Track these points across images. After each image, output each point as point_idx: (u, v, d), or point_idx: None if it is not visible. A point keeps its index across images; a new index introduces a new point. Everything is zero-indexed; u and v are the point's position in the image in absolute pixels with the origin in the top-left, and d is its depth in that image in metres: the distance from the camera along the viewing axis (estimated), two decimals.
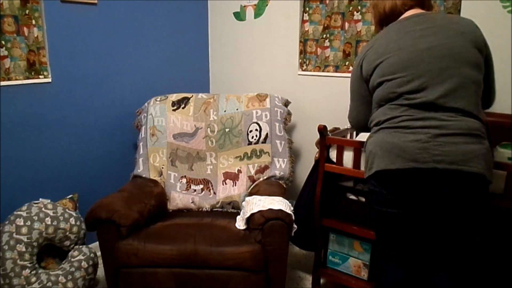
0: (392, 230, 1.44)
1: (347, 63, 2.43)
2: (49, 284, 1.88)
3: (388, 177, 1.36)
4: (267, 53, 2.75)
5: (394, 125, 1.36)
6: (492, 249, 1.62)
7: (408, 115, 1.33)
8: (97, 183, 2.46)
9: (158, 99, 2.41)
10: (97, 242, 1.84)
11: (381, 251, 1.52)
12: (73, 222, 2.02)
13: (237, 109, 2.35)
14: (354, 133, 2.16)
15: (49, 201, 2.02)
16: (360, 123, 1.64)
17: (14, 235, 1.84)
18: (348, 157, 1.88)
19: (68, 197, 2.18)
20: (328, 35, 2.48)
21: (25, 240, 1.85)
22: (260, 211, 1.79)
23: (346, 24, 2.40)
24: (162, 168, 2.27)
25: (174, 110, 2.36)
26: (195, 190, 2.25)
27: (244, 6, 2.78)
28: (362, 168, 1.84)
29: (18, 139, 2.08)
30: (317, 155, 2.02)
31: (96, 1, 2.29)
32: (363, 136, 2.03)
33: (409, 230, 1.42)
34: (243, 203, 2.01)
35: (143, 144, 2.31)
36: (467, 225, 1.34)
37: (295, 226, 1.82)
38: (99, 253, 1.93)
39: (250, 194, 2.12)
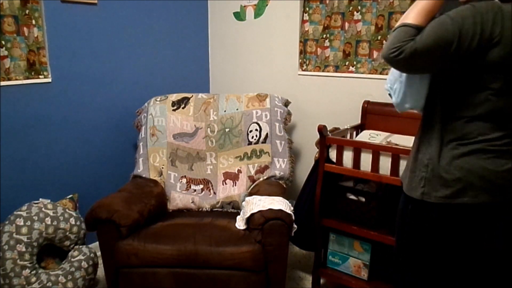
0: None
1: (347, 63, 2.43)
2: (49, 284, 1.88)
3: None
4: (267, 53, 2.75)
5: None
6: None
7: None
8: (97, 183, 2.46)
9: (158, 99, 2.41)
10: (97, 242, 1.84)
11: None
12: (73, 222, 2.02)
13: (237, 109, 2.35)
14: (354, 133, 2.16)
15: (49, 201, 2.02)
16: None
17: (14, 235, 1.84)
18: (348, 157, 1.88)
19: (68, 197, 2.18)
20: (328, 35, 2.48)
21: (25, 240, 1.85)
22: (260, 211, 1.79)
23: (346, 24, 2.40)
24: (162, 168, 2.27)
25: (174, 110, 2.36)
26: (195, 190, 2.25)
27: (244, 6, 2.78)
28: (362, 168, 1.84)
29: (18, 139, 2.08)
30: (317, 155, 2.02)
31: (96, 1, 2.29)
32: (363, 136, 2.03)
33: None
34: (243, 203, 2.01)
35: (143, 144, 2.31)
36: (491, 233, 1.21)
37: (295, 226, 1.82)
38: (99, 253, 1.92)
39: (250, 194, 2.12)
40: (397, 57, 1.09)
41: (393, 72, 1.26)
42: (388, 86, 1.30)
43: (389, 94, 1.31)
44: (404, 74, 1.22)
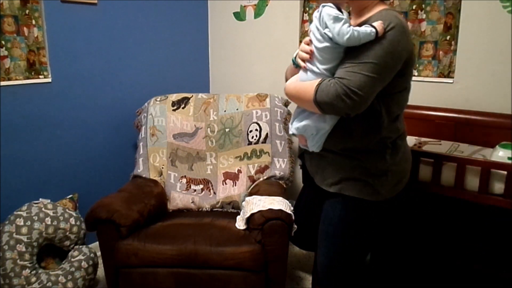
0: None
1: None
2: (49, 284, 1.88)
3: None
4: (267, 53, 2.75)
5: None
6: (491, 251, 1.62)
7: None
8: (97, 183, 2.46)
9: (158, 99, 2.41)
10: (97, 242, 1.84)
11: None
12: (73, 222, 2.02)
13: (237, 109, 2.35)
14: None
15: (49, 201, 2.02)
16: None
17: (14, 235, 1.84)
18: None
19: (68, 197, 2.19)
20: None
21: (25, 240, 1.85)
22: (260, 211, 1.79)
23: None
24: (162, 168, 2.26)
25: (174, 110, 2.36)
26: (195, 190, 2.25)
27: (244, 6, 2.78)
28: None
29: (18, 139, 2.08)
30: None
31: (96, 1, 2.29)
32: None
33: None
34: (243, 203, 2.01)
35: (143, 144, 2.31)
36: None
37: (295, 226, 1.82)
38: (99, 253, 1.92)
39: (250, 194, 2.12)
40: None
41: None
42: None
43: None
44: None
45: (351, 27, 1.18)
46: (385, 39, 1.17)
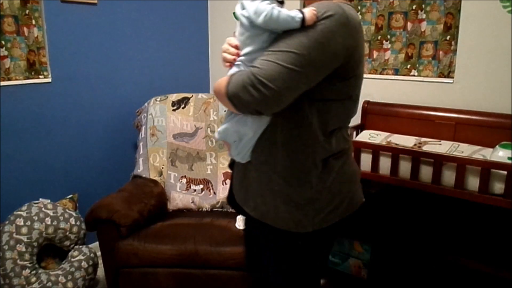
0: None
1: None
2: (49, 284, 1.88)
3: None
4: None
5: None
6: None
7: None
8: (97, 183, 2.46)
9: (158, 99, 2.40)
10: (97, 242, 1.84)
11: None
12: (73, 222, 2.02)
13: None
14: (354, 133, 2.16)
15: (49, 201, 2.02)
16: None
17: (14, 235, 1.84)
18: None
19: (68, 197, 2.19)
20: None
21: (25, 240, 1.85)
22: None
23: None
24: (162, 168, 2.26)
25: (174, 110, 2.36)
26: (195, 190, 2.25)
27: None
28: (362, 168, 1.83)
29: (18, 139, 2.08)
30: None
31: (96, 1, 2.29)
32: (363, 136, 2.03)
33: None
34: None
35: (143, 144, 2.31)
36: None
37: None
38: (99, 253, 1.92)
39: None
40: None
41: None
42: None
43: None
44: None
45: (273, 5, 0.98)
46: (315, 27, 0.95)
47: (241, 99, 0.98)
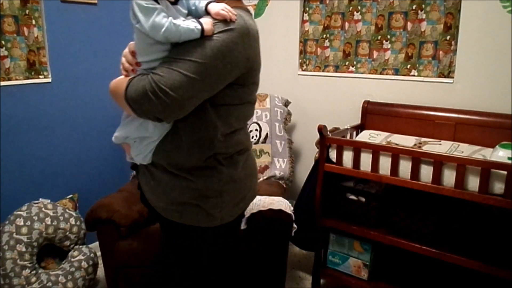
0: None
1: (347, 63, 2.43)
2: (49, 284, 1.88)
3: None
4: (267, 53, 2.74)
5: None
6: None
7: None
8: (97, 183, 2.46)
9: None
10: (97, 242, 1.84)
11: None
12: (73, 222, 2.02)
13: None
14: (354, 133, 2.16)
15: (49, 201, 2.02)
16: None
17: (14, 235, 1.84)
18: (348, 157, 1.88)
19: (68, 197, 2.19)
20: (328, 35, 2.48)
21: (25, 240, 1.85)
22: (260, 211, 1.79)
23: (346, 24, 2.40)
24: None
25: None
26: None
27: None
28: (362, 168, 1.84)
29: (18, 139, 2.08)
30: (317, 155, 2.02)
31: (96, 1, 2.29)
32: (363, 136, 2.03)
33: None
34: None
35: None
36: None
37: (295, 226, 1.82)
38: (99, 253, 1.92)
39: None
40: None
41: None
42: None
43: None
44: None
45: (170, 18, 0.97)
46: (218, 38, 0.98)
47: (142, 106, 0.99)
